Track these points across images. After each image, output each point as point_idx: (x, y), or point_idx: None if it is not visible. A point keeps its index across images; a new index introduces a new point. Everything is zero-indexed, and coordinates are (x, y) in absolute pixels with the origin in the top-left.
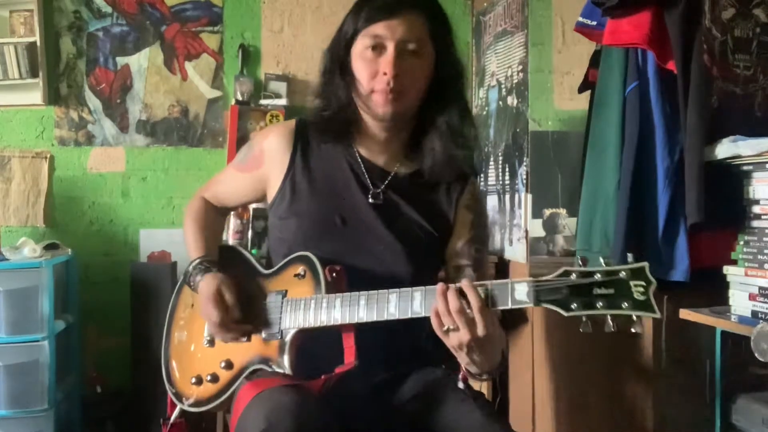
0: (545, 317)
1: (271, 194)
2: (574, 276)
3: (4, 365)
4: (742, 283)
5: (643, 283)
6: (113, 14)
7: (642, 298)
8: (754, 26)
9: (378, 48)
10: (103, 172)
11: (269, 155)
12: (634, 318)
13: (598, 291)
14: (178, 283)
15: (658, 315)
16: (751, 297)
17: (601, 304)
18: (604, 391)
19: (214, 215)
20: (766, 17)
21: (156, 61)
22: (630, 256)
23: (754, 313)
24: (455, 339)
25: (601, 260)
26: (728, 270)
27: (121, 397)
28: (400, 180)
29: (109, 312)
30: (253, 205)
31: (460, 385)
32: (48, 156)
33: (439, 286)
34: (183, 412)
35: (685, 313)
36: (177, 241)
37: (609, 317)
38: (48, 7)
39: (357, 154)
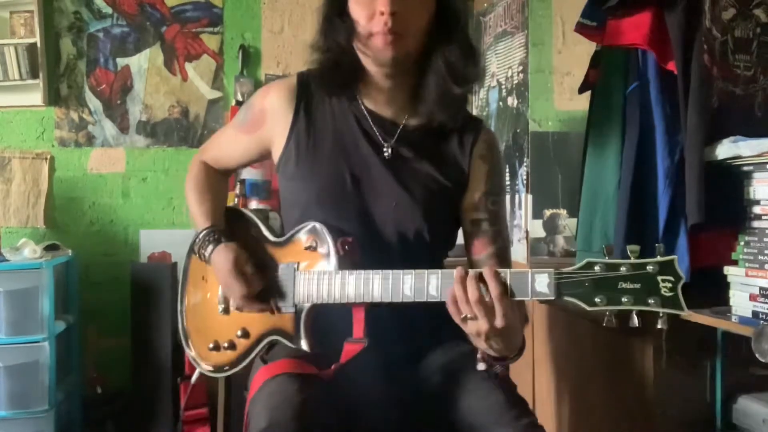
0: (546, 316)
1: (276, 154)
2: (598, 268)
3: (4, 366)
4: (742, 283)
5: (671, 278)
6: (113, 15)
7: (670, 294)
8: (754, 26)
9: None
10: (104, 172)
11: (271, 113)
12: (661, 314)
13: (623, 285)
14: (188, 251)
15: (686, 312)
16: (752, 297)
17: (626, 299)
18: (605, 391)
19: (216, 179)
20: (766, 17)
21: (156, 62)
22: (660, 247)
23: (755, 314)
24: (473, 327)
25: (628, 250)
26: (729, 270)
27: (121, 397)
28: (410, 132)
29: (109, 312)
30: (253, 205)
31: (481, 366)
32: (48, 157)
33: (457, 271)
34: (201, 375)
35: (685, 313)
36: (177, 241)
37: (634, 313)
38: (48, 7)
39: (363, 107)
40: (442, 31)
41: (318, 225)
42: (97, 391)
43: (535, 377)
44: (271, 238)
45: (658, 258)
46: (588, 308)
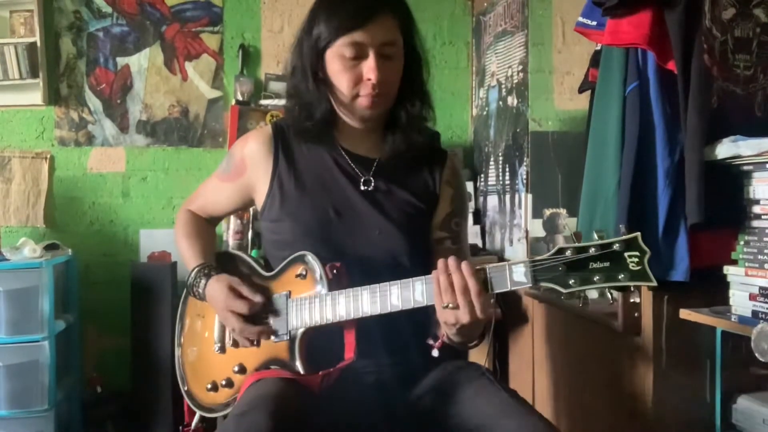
0: (545, 316)
1: (260, 199)
2: (569, 253)
3: (4, 365)
4: (742, 283)
5: (637, 253)
6: (113, 14)
7: (637, 268)
8: (754, 26)
9: (358, 56)
10: (104, 172)
11: (251, 161)
12: (632, 288)
13: (594, 265)
14: (183, 295)
15: (654, 283)
16: (752, 297)
17: (598, 277)
18: (604, 391)
19: (204, 225)
20: (766, 17)
21: (156, 62)
22: (623, 228)
23: (755, 313)
24: (452, 317)
25: (595, 235)
26: (728, 270)
27: (121, 397)
28: (384, 165)
29: (109, 312)
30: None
31: (435, 353)
32: (48, 156)
33: (441, 261)
34: (202, 419)
35: (685, 313)
36: None
37: (608, 290)
38: (48, 7)
39: (340, 147)
40: (408, 79)
41: (307, 254)
42: (97, 391)
43: (535, 377)
44: (263, 272)
45: (623, 236)
46: (564, 290)
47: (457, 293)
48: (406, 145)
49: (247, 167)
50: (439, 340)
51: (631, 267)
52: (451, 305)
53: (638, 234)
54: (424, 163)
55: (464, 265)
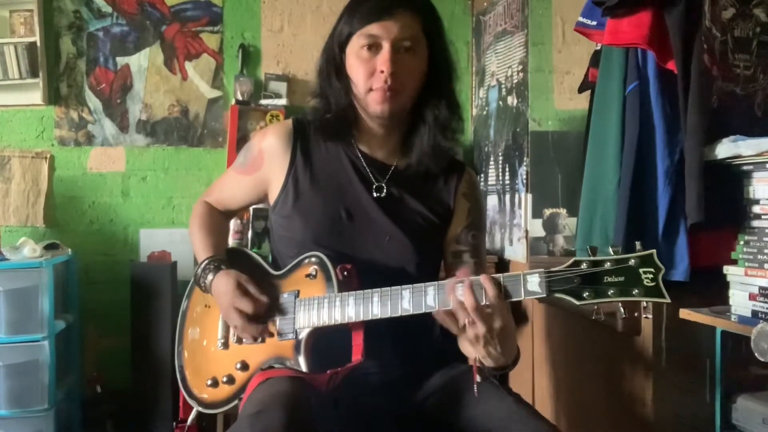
0: (545, 317)
1: (273, 194)
2: (584, 265)
3: (4, 365)
4: (742, 282)
5: (652, 270)
6: (113, 14)
7: (652, 284)
8: (754, 26)
9: (374, 47)
10: (103, 171)
11: (269, 155)
12: (645, 304)
13: (608, 279)
14: (188, 287)
15: (668, 300)
16: (751, 297)
17: (612, 291)
18: (604, 391)
19: (219, 219)
20: (766, 17)
21: (156, 61)
22: (638, 244)
23: (754, 313)
24: (472, 332)
25: (610, 249)
26: (728, 270)
27: (121, 397)
28: (400, 172)
29: (109, 312)
30: (253, 206)
31: (478, 378)
32: (48, 156)
33: (449, 282)
34: (199, 417)
35: (685, 313)
36: (177, 240)
37: (620, 304)
38: (48, 7)
39: (357, 150)
40: (433, 84)
41: (318, 254)
42: (97, 391)
43: (535, 377)
44: (272, 271)
45: (638, 252)
46: (577, 302)
47: (469, 309)
48: (431, 149)
49: (264, 160)
50: (474, 368)
51: (645, 283)
52: (467, 321)
53: (653, 251)
54: (441, 174)
55: (481, 277)
